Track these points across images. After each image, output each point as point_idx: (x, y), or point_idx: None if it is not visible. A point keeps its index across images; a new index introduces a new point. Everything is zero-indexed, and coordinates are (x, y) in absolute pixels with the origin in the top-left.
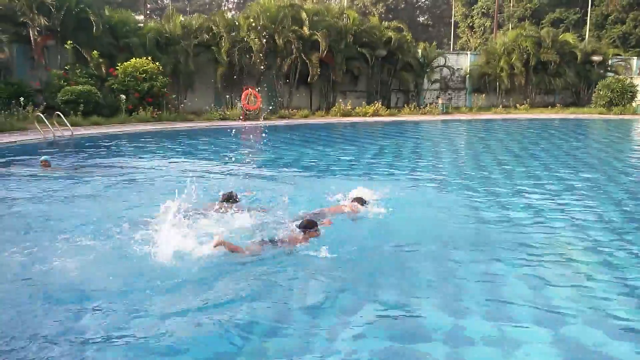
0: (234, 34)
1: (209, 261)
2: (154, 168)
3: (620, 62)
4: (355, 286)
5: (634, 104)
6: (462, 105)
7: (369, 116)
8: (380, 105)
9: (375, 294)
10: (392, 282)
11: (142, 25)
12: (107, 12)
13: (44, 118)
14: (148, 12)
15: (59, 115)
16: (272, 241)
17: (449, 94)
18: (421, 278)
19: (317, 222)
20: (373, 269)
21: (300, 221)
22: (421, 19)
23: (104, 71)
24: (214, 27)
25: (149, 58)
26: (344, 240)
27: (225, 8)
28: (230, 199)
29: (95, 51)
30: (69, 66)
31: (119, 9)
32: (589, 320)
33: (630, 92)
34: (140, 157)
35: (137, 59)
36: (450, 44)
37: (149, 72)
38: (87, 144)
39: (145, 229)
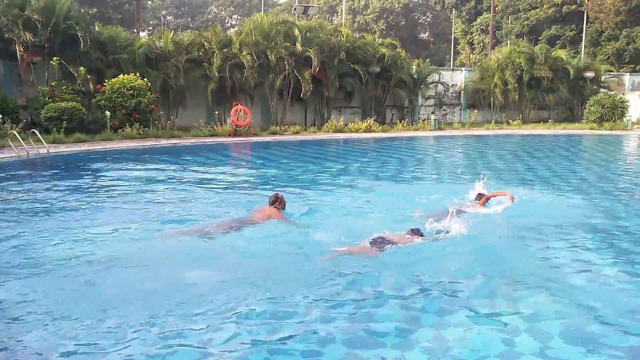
0: (225, 50)
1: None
2: (96, 194)
3: (612, 78)
4: None
5: (624, 120)
6: (457, 121)
7: (362, 132)
8: (372, 121)
9: None
10: None
11: (132, 41)
12: (97, 28)
13: (17, 135)
14: (150, 28)
15: (34, 132)
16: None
17: (443, 110)
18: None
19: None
20: None
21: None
22: (422, 35)
23: (91, 87)
24: (206, 43)
25: (137, 74)
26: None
27: (229, 24)
28: (277, 200)
29: (82, 67)
30: (55, 82)
31: (116, 25)
32: None
33: (621, 107)
34: (100, 177)
35: (126, 75)
36: (450, 61)
37: (136, 88)
38: (58, 163)
39: None
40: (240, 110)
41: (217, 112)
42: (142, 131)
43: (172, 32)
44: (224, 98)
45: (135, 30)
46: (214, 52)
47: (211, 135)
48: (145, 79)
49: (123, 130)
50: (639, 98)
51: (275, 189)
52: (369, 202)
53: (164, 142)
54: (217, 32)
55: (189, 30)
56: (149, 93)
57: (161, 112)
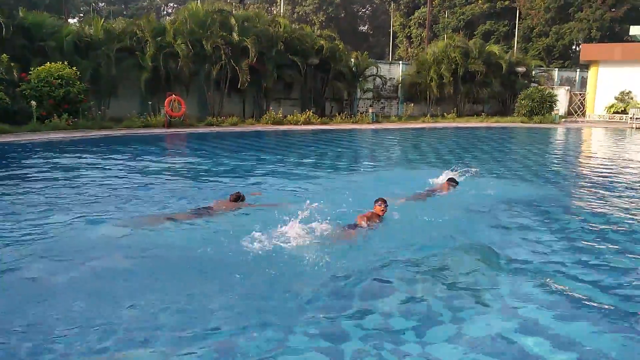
0: (159, 39)
1: None
2: None
3: (542, 73)
4: None
5: (552, 113)
6: (395, 114)
7: (301, 124)
8: (311, 114)
9: None
10: None
11: (60, 27)
12: (20, 13)
13: None
14: (81, 15)
15: None
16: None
17: (382, 103)
18: None
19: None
20: None
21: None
22: (362, 28)
23: (15, 76)
24: (138, 32)
25: (66, 63)
26: None
27: (165, 13)
28: (238, 198)
29: (4, 55)
30: None
31: (42, 11)
32: None
33: (550, 102)
34: (25, 169)
35: (53, 63)
36: (389, 54)
37: (65, 78)
38: None
39: None
40: (175, 101)
41: (150, 103)
42: (72, 122)
43: (103, 19)
44: (158, 88)
45: (63, 17)
46: (147, 40)
47: (144, 127)
48: (74, 68)
49: (51, 121)
50: (567, 93)
51: (208, 181)
52: (312, 191)
53: (94, 134)
54: (150, 20)
55: (120, 17)
56: (79, 82)
57: (91, 103)
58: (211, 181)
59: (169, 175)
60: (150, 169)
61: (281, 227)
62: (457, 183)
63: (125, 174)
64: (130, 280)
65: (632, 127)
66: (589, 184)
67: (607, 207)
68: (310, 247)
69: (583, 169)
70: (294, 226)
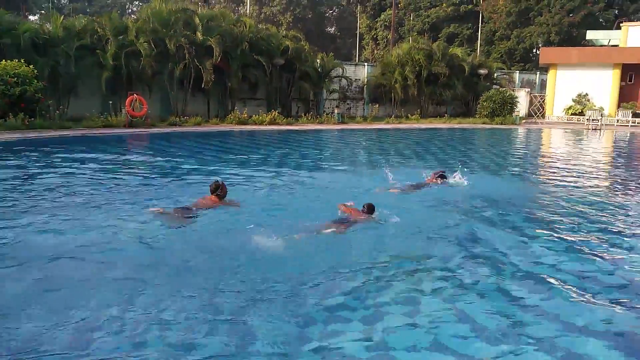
0: (121, 37)
1: None
2: None
3: (504, 76)
4: None
5: (513, 115)
6: (360, 115)
7: (266, 124)
8: (277, 114)
9: None
10: None
11: (17, 24)
12: None
13: None
14: (43, 12)
15: None
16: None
17: (347, 104)
18: None
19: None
20: None
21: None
22: (329, 29)
23: None
24: (99, 30)
25: (22, 60)
26: None
27: (129, 11)
28: (218, 188)
29: None
30: None
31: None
32: None
33: (510, 103)
34: None
35: (9, 61)
36: (356, 55)
37: (21, 76)
38: None
39: None
40: (136, 100)
41: (111, 102)
42: (29, 121)
43: (62, 16)
44: (120, 87)
45: (20, 13)
46: (108, 39)
47: (105, 126)
48: (32, 66)
49: (6, 121)
50: (527, 95)
51: (165, 182)
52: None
53: (51, 133)
54: (112, 18)
55: (81, 15)
56: (36, 81)
57: (50, 102)
58: (168, 181)
59: (124, 175)
60: (106, 168)
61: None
62: (446, 178)
63: (80, 174)
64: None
65: (589, 129)
66: (545, 181)
67: (561, 200)
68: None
69: (540, 167)
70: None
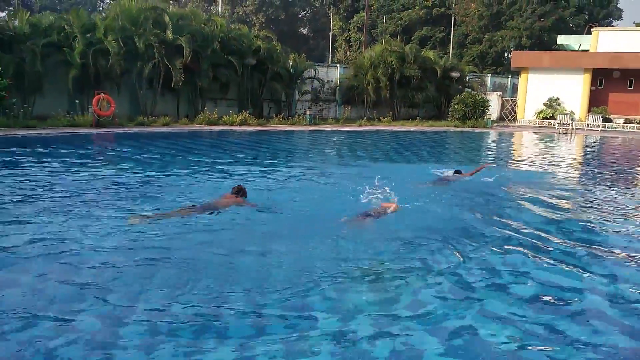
0: (89, 35)
1: None
2: None
3: (476, 79)
4: None
5: (485, 118)
6: (333, 117)
7: (237, 125)
8: (248, 114)
9: None
10: None
11: None
12: None
13: None
14: (12, 8)
15: None
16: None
17: (320, 106)
18: None
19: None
20: None
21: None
22: (302, 30)
23: None
24: (67, 27)
25: None
26: None
27: (100, 8)
28: (240, 191)
29: None
30: None
31: None
32: None
33: (482, 106)
34: None
35: None
36: (329, 57)
37: None
38: None
39: None
40: (103, 99)
41: (78, 101)
42: None
43: (28, 13)
44: (87, 86)
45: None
46: (75, 36)
47: (70, 125)
48: None
49: None
50: (499, 98)
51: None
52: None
53: (14, 133)
54: (79, 15)
55: (47, 11)
56: (0, 78)
57: (14, 100)
58: (132, 183)
59: (90, 177)
60: (69, 169)
61: None
62: (462, 173)
63: (40, 176)
64: None
65: (560, 133)
66: (515, 183)
67: (533, 202)
68: None
69: (509, 170)
70: None
